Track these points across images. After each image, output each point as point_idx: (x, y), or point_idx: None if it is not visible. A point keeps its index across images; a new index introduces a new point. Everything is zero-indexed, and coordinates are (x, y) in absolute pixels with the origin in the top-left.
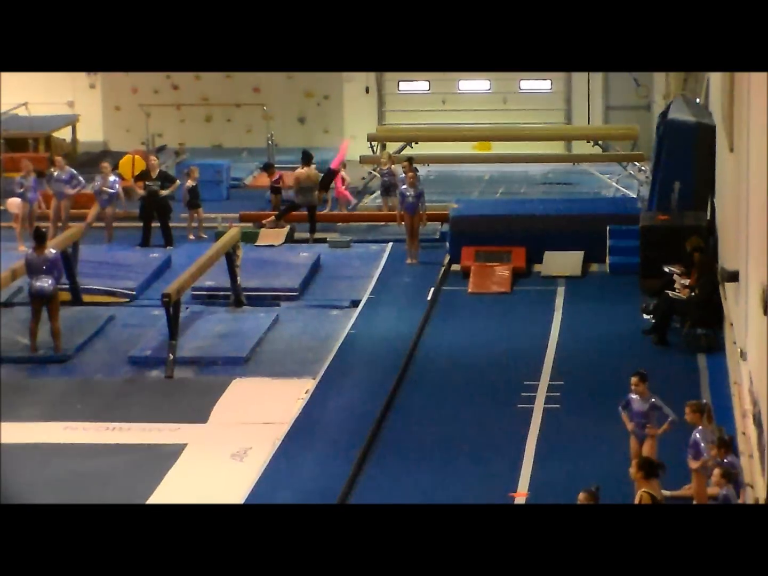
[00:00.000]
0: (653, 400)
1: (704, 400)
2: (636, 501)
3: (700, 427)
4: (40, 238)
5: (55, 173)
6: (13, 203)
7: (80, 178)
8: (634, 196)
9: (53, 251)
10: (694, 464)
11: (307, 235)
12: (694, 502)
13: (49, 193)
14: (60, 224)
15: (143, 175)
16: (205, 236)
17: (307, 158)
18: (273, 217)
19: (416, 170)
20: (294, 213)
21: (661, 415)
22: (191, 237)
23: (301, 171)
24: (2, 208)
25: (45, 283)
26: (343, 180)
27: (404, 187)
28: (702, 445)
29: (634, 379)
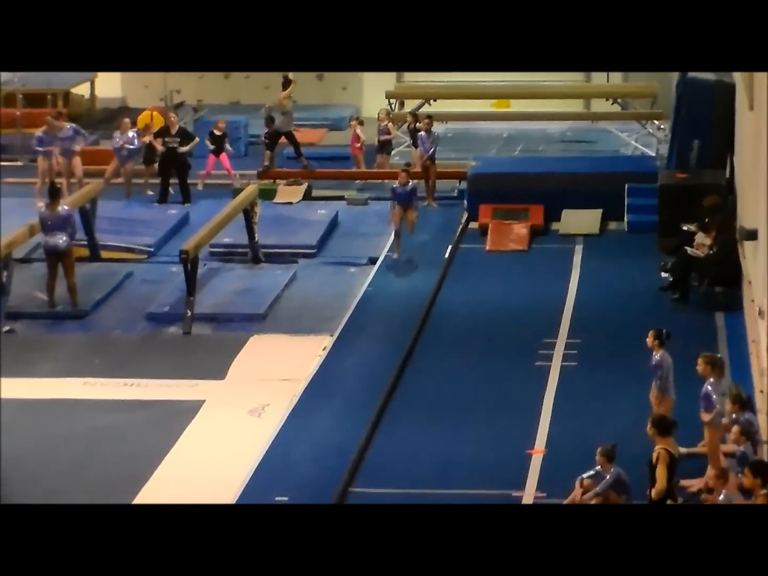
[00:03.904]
0: (657, 357)
1: (718, 355)
2: (654, 458)
3: (711, 380)
4: (53, 195)
5: (59, 132)
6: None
7: (83, 132)
8: (653, 154)
9: (66, 208)
10: (706, 417)
11: (325, 191)
12: (710, 461)
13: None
14: (74, 181)
15: (162, 132)
16: (234, 181)
17: (286, 83)
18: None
19: (409, 174)
20: (313, 171)
21: (663, 381)
22: (200, 188)
23: (281, 94)
24: (20, 163)
25: (59, 239)
26: (359, 138)
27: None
28: (714, 397)
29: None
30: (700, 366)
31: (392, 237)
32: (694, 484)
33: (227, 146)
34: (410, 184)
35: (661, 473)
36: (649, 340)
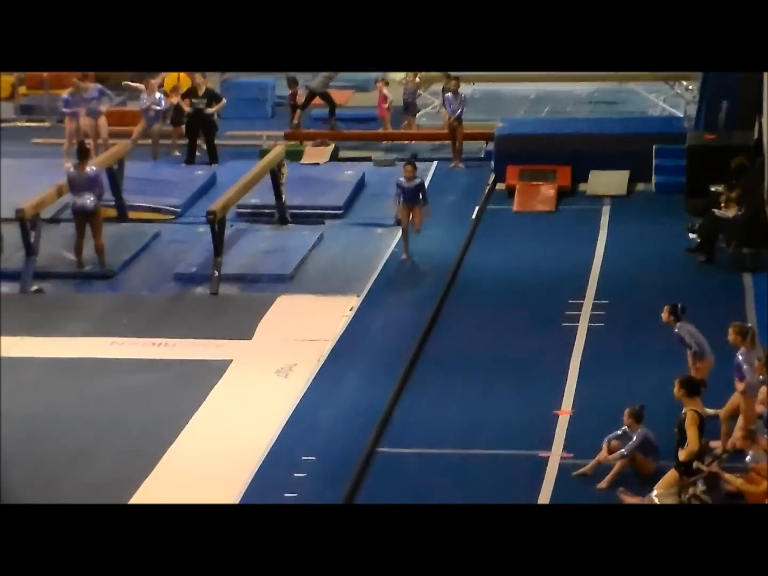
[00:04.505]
0: (676, 330)
1: (749, 324)
2: (688, 421)
3: (743, 349)
4: (81, 156)
5: (85, 94)
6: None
7: (109, 93)
8: (681, 115)
9: (94, 168)
10: (739, 386)
11: (351, 152)
12: (741, 422)
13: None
14: (100, 142)
15: (189, 93)
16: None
17: None
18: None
19: (415, 167)
20: (340, 132)
21: (696, 347)
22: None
23: None
24: (48, 124)
25: (86, 200)
26: (385, 98)
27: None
28: (744, 367)
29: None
30: (731, 336)
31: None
32: (718, 446)
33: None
34: (417, 179)
35: (692, 435)
36: (665, 316)
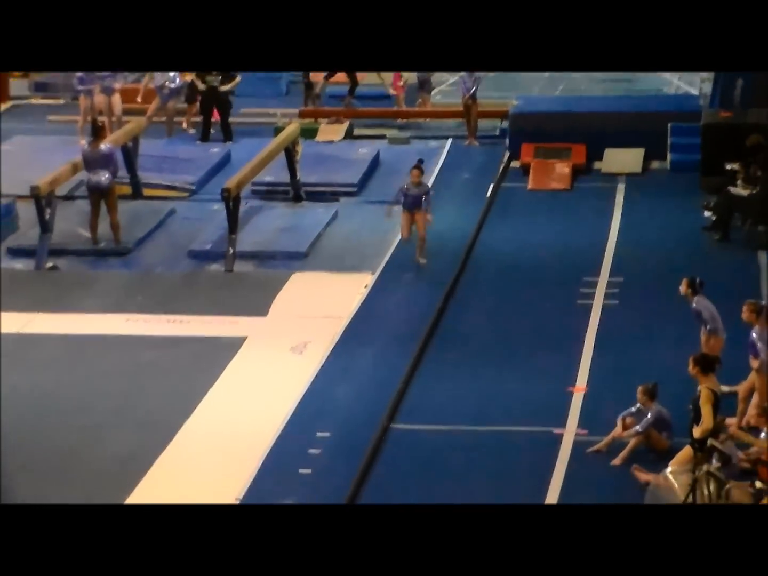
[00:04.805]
0: (694, 305)
1: (763, 301)
2: (702, 399)
3: (757, 327)
4: (96, 133)
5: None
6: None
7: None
8: (696, 92)
9: (108, 146)
10: (755, 364)
11: (366, 130)
12: (755, 399)
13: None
14: (114, 119)
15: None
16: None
17: None
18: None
19: (422, 171)
20: (355, 110)
21: (711, 323)
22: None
23: None
24: (62, 102)
25: (101, 177)
26: (400, 76)
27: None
28: (759, 345)
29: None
30: (745, 313)
31: (435, 175)
32: (733, 423)
33: None
34: (423, 185)
35: (707, 413)
36: (683, 289)
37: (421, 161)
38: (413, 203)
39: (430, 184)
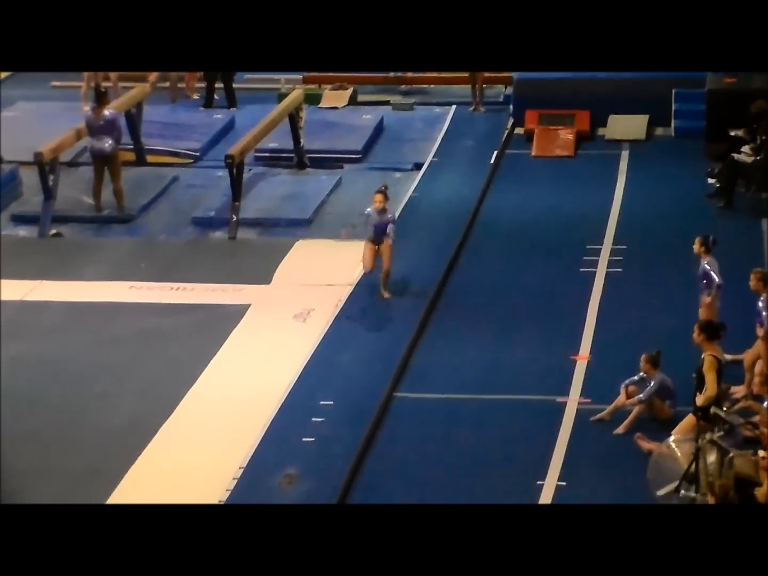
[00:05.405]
0: (705, 264)
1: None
2: (706, 366)
3: (764, 296)
4: (99, 99)
5: None
6: None
7: None
8: None
9: (112, 112)
10: (760, 332)
11: (370, 96)
12: (759, 368)
13: None
14: (120, 85)
15: None
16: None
17: None
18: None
19: (386, 197)
20: (359, 76)
21: (710, 280)
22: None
23: None
24: None
25: (105, 143)
26: None
27: None
28: (764, 313)
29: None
30: (753, 282)
31: (438, 142)
32: (738, 391)
33: None
34: (389, 213)
35: (711, 380)
36: (696, 247)
37: (385, 187)
38: (379, 233)
39: (434, 150)
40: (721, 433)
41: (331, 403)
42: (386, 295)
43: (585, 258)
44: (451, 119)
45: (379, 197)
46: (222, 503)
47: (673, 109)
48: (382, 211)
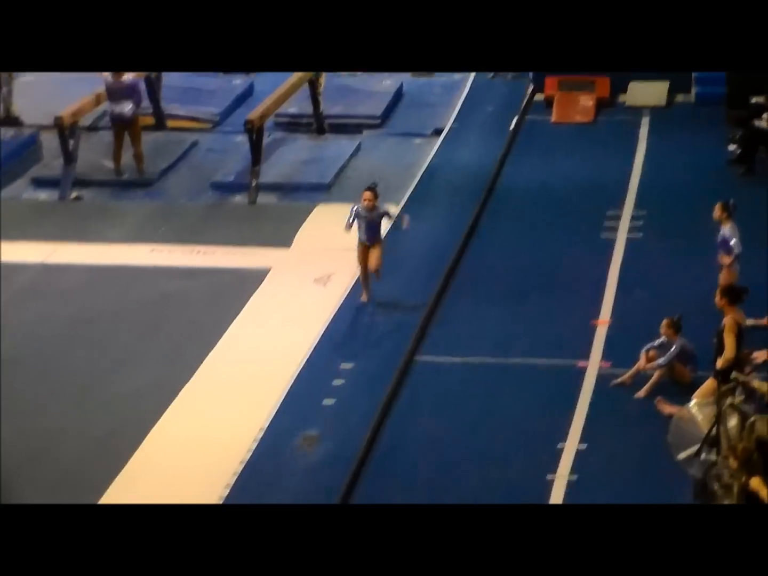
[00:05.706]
0: (726, 230)
1: None
2: (726, 329)
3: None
4: None
5: None
6: None
7: None
8: None
9: (132, 77)
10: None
11: None
12: None
13: None
14: None
15: None
16: None
17: None
18: None
19: (376, 195)
20: None
21: (728, 248)
22: None
23: None
24: None
25: (125, 108)
26: None
27: None
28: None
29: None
30: (716, 212)
31: (458, 108)
32: (759, 356)
33: None
34: (379, 209)
35: (729, 342)
36: (716, 213)
37: (374, 184)
38: (369, 234)
39: (453, 116)
40: (742, 397)
41: (352, 365)
42: (365, 298)
43: (605, 224)
44: (471, 85)
45: (368, 194)
46: (235, 479)
47: (693, 75)
48: (372, 209)
